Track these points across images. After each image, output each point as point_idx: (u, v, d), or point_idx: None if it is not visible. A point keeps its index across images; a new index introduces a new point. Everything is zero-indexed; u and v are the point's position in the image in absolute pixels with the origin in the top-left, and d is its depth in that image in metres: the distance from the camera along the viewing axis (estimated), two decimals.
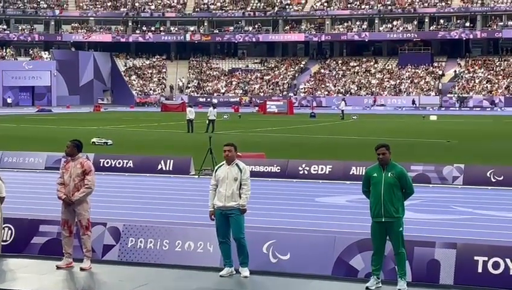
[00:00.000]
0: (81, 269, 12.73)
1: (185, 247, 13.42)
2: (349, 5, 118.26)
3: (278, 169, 26.89)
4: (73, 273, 12.62)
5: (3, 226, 14.05)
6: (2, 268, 13.04)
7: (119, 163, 28.70)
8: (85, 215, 12.96)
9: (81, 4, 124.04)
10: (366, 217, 11.83)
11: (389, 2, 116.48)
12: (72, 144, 13.11)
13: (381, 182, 11.42)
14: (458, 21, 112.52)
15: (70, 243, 13.02)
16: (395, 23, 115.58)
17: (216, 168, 12.77)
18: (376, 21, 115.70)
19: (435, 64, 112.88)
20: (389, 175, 11.43)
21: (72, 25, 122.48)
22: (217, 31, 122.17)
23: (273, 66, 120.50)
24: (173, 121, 65.10)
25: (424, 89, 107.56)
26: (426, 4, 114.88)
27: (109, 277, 12.44)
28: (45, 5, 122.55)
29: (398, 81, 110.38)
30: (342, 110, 73.90)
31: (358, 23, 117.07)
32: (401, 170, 11.55)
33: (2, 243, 13.94)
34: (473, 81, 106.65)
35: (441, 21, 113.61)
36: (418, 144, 41.19)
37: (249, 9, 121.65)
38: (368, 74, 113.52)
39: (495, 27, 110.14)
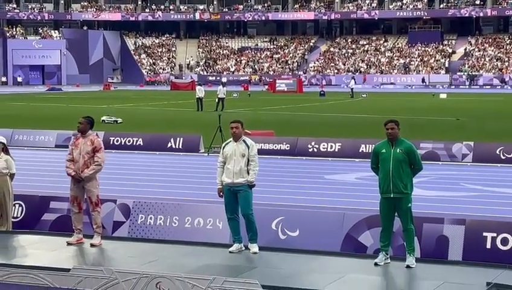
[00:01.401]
0: (92, 245, 12.79)
1: (194, 223, 13.48)
2: None
3: (287, 147, 26.92)
4: (83, 249, 12.69)
5: (14, 202, 14.14)
6: (13, 244, 13.13)
7: (129, 141, 28.79)
8: (94, 192, 13.01)
9: None
10: (375, 194, 11.85)
11: None
12: (85, 120, 13.12)
13: (390, 158, 11.38)
14: None
15: (80, 219, 13.08)
16: (404, 1, 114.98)
17: (223, 145, 12.79)
18: None
19: (445, 42, 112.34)
20: (398, 151, 11.39)
21: (82, 3, 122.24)
22: (227, 10, 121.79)
23: (282, 44, 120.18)
24: (183, 100, 65.08)
25: (434, 67, 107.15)
26: None
27: (119, 253, 12.51)
28: None
29: (408, 59, 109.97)
30: (352, 89, 73.73)
31: (368, 1, 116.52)
32: (410, 145, 11.54)
33: (13, 220, 14.05)
34: (483, 59, 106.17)
35: None
36: (428, 122, 41.12)
37: None
38: (378, 52, 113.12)
39: (505, 5, 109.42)
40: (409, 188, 11.44)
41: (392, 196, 11.38)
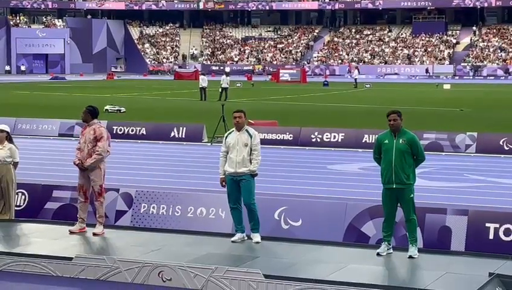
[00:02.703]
0: (94, 234, 12.80)
1: (197, 213, 13.48)
2: None
3: (291, 137, 26.91)
4: (86, 238, 12.69)
5: (17, 191, 14.15)
6: (15, 233, 13.13)
7: (132, 130, 28.80)
8: (97, 182, 13.01)
9: None
10: (378, 185, 11.84)
11: None
12: (85, 110, 13.17)
13: (393, 148, 11.35)
14: None
15: (85, 208, 13.10)
16: None
17: (226, 134, 12.77)
18: None
19: (449, 32, 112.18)
20: (400, 142, 11.36)
21: None
22: None
23: (286, 34, 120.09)
24: (186, 89, 65.06)
25: (438, 58, 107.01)
26: None
27: (121, 242, 12.52)
28: None
29: (411, 50, 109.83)
30: (355, 79, 73.69)
31: None
32: (413, 136, 11.51)
33: (16, 208, 14.05)
34: (487, 50, 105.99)
35: None
36: (431, 112, 41.06)
37: None
38: (382, 43, 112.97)
39: None
40: (412, 179, 11.42)
41: (394, 186, 11.35)
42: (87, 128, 13.11)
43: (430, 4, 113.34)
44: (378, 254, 11.44)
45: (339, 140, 26.35)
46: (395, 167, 11.32)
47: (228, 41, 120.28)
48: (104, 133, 13.13)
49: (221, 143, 12.93)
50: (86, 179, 13.06)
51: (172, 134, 28.27)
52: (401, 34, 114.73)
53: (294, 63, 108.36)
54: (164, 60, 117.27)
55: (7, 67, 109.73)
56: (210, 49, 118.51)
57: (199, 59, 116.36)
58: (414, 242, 11.43)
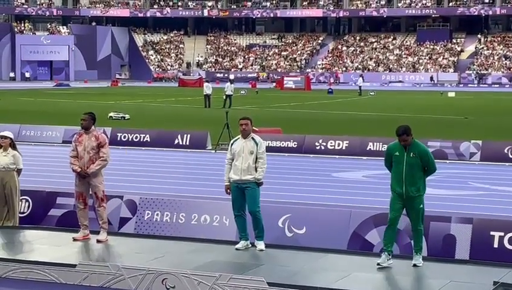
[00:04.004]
0: (98, 241, 12.78)
1: (201, 220, 13.46)
2: None
3: (295, 144, 26.88)
4: (89, 245, 12.68)
5: (21, 198, 14.14)
6: (19, 240, 13.13)
7: (136, 137, 28.79)
8: (100, 187, 13.00)
9: None
10: (383, 193, 11.84)
11: None
12: (89, 116, 13.11)
13: (403, 162, 11.29)
14: None
15: (86, 215, 13.08)
16: None
17: (232, 142, 12.75)
18: None
19: (454, 40, 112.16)
20: (411, 155, 11.29)
21: None
22: (235, 7, 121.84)
23: (290, 41, 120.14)
24: (190, 96, 65.09)
25: (443, 66, 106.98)
26: None
27: (125, 249, 12.50)
28: None
29: (416, 57, 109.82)
30: (360, 87, 73.69)
31: None
32: (424, 149, 11.41)
33: (20, 215, 14.04)
34: (491, 58, 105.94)
35: None
36: (436, 120, 41.02)
37: None
38: (386, 50, 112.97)
39: None
40: (422, 190, 11.40)
41: (404, 197, 11.34)
42: (85, 135, 13.05)
43: (435, 12, 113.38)
44: (378, 264, 11.32)
45: (343, 148, 26.31)
46: (405, 180, 11.29)
47: (232, 48, 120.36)
48: (106, 140, 13.17)
49: (225, 150, 12.92)
50: (85, 186, 13.03)
51: (176, 141, 28.25)
52: (406, 42, 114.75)
53: (298, 71, 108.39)
54: (168, 67, 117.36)
55: (12, 74, 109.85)
56: (214, 56, 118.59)
57: (203, 66, 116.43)
58: (419, 251, 11.40)
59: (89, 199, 13.14)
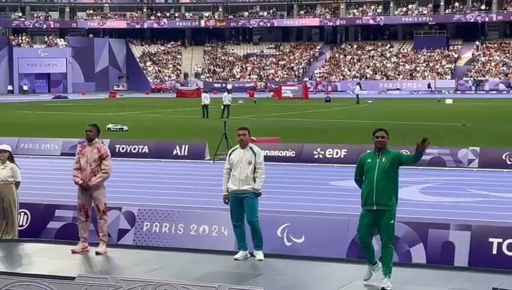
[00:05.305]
0: (97, 253, 12.79)
1: (199, 231, 13.46)
2: None
3: (293, 153, 26.90)
4: (88, 258, 12.68)
5: (20, 211, 14.14)
6: (18, 253, 13.13)
7: (134, 148, 28.82)
8: (102, 200, 13.01)
9: None
10: None
11: None
12: (94, 128, 13.12)
13: (375, 168, 10.75)
14: (474, 4, 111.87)
15: (87, 227, 13.09)
16: (410, 6, 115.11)
17: (230, 152, 12.76)
18: (391, 5, 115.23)
19: (451, 47, 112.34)
20: (384, 160, 10.76)
21: (87, 11, 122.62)
22: (232, 17, 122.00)
23: (288, 51, 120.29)
24: (188, 107, 65.11)
25: (440, 73, 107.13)
26: None
27: (124, 260, 12.51)
28: None
29: (413, 65, 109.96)
30: (357, 95, 73.75)
31: (373, 7, 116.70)
32: (396, 151, 10.98)
33: (19, 228, 14.05)
34: (488, 65, 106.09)
35: (456, 4, 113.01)
36: (434, 127, 41.04)
37: None
38: (383, 58, 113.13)
39: (511, 10, 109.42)
40: (393, 201, 10.76)
41: (374, 208, 10.66)
42: (88, 147, 13.08)
43: (431, 19, 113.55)
44: (365, 280, 10.94)
45: (342, 156, 26.32)
46: (376, 187, 10.66)
47: (230, 58, 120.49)
48: (108, 152, 13.17)
49: (223, 160, 12.94)
50: (87, 198, 13.04)
51: (174, 152, 28.27)
52: (403, 50, 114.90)
53: (296, 80, 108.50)
54: (166, 78, 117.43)
55: (10, 87, 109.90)
56: (212, 66, 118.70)
57: (201, 76, 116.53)
58: (388, 273, 10.64)
59: (91, 212, 13.14)
